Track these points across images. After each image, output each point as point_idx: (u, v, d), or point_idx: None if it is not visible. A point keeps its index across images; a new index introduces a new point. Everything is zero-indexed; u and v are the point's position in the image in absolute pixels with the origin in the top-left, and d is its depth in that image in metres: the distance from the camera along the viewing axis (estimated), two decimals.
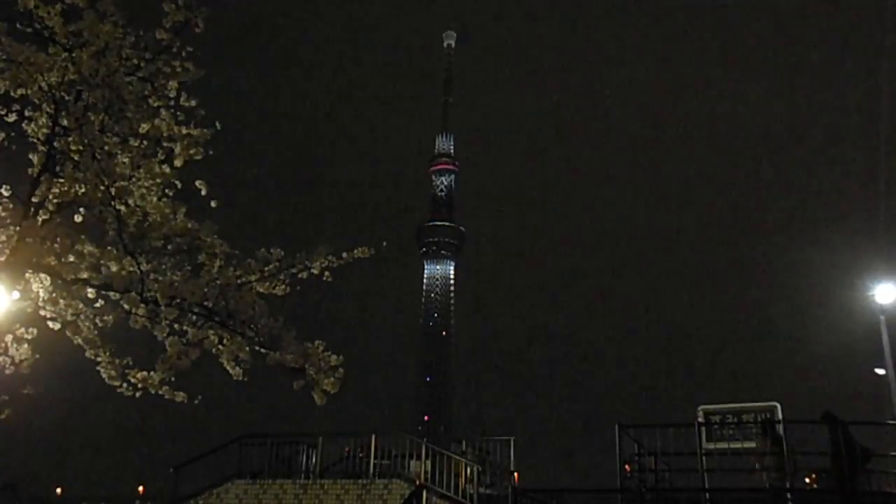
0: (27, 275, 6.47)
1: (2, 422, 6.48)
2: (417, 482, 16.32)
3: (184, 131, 7.08)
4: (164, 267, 6.72)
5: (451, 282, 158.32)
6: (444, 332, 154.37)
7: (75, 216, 6.74)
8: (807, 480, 17.52)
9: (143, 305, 6.46)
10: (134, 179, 6.73)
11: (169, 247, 6.83)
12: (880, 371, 21.37)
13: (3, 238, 6.46)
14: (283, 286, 7.07)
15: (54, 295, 6.60)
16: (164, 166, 6.96)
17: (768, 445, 13.86)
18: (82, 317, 6.76)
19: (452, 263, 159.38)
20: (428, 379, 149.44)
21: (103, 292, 6.67)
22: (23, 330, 6.63)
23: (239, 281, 6.76)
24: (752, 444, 15.18)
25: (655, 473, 15.69)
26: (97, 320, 6.76)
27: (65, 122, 6.59)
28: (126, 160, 6.70)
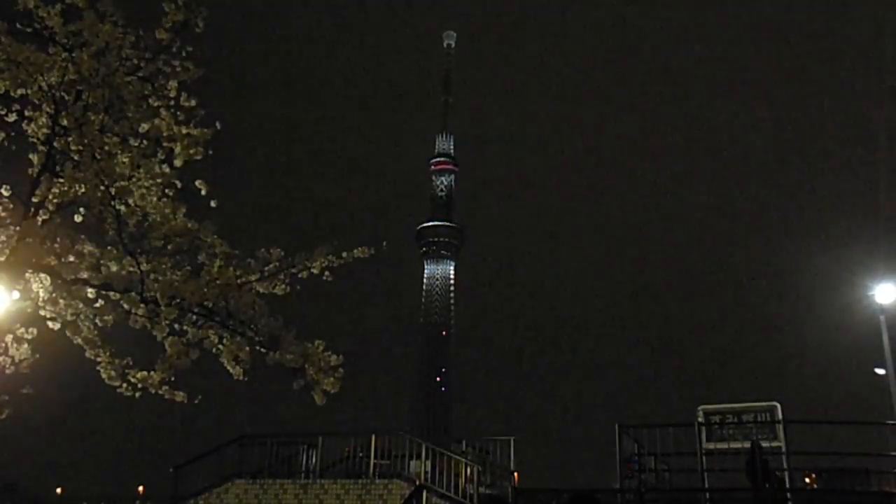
0: (27, 275, 6.47)
1: (2, 422, 6.48)
2: (417, 482, 16.32)
3: (184, 131, 7.08)
4: (164, 267, 6.71)
5: (451, 282, 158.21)
6: (444, 332, 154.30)
7: (75, 216, 6.74)
8: (807, 480, 17.54)
9: (143, 305, 6.46)
10: (134, 179, 6.73)
11: (169, 247, 6.83)
12: (880, 371, 21.39)
13: (3, 238, 6.46)
14: (283, 286, 7.06)
15: (54, 295, 6.59)
16: (164, 166, 6.96)
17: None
18: (82, 317, 6.76)
19: (452, 263, 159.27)
20: (438, 379, 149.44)
21: (103, 292, 6.67)
22: (23, 330, 6.63)
23: (239, 281, 6.75)
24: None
25: (655, 473, 15.71)
26: (97, 320, 6.76)
27: (65, 122, 6.59)
28: (126, 160, 6.70)
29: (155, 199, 6.87)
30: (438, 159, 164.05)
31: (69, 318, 6.72)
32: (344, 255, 7.10)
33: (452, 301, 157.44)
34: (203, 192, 7.02)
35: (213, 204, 7.02)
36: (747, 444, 15.00)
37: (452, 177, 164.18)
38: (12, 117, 6.78)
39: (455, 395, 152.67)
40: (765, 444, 15.11)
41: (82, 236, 6.70)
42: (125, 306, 6.49)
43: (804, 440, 15.26)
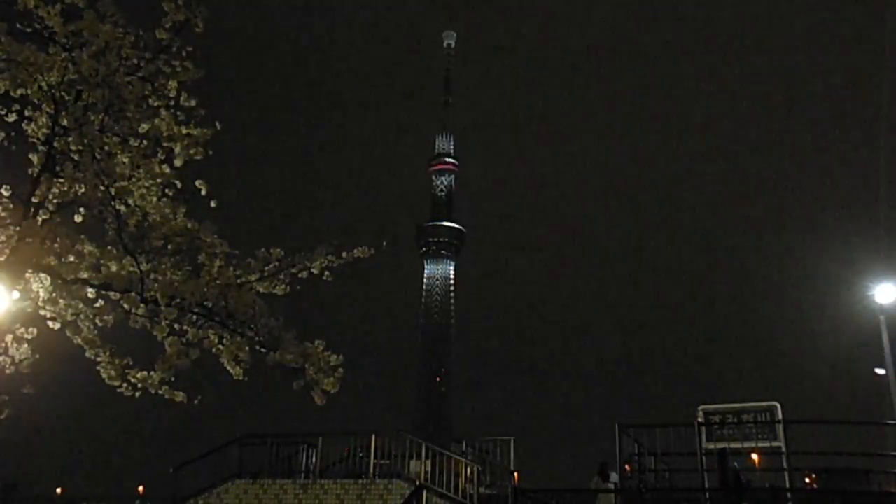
0: (27, 275, 6.47)
1: (2, 422, 6.48)
2: (417, 482, 16.32)
3: (184, 131, 7.07)
4: (164, 267, 6.71)
5: (451, 282, 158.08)
6: (444, 333, 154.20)
7: (75, 216, 6.74)
8: (807, 480, 17.54)
9: (143, 305, 6.46)
10: (134, 179, 6.73)
11: (169, 247, 6.83)
12: (880, 371, 21.39)
13: (3, 238, 6.45)
14: (283, 286, 7.06)
15: (54, 295, 6.59)
16: (164, 166, 6.95)
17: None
18: (82, 317, 6.76)
19: (452, 263, 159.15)
20: (438, 379, 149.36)
21: (103, 292, 6.67)
22: (23, 330, 6.62)
23: (239, 281, 6.76)
24: (752, 444, 15.19)
25: (655, 473, 15.71)
26: (97, 320, 6.76)
27: (65, 122, 6.59)
28: (126, 160, 6.70)
29: (155, 199, 6.87)
30: (438, 159, 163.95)
31: (69, 318, 6.71)
32: (344, 255, 7.10)
33: (452, 301, 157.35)
34: (203, 192, 7.02)
35: (213, 204, 7.03)
36: (748, 444, 15.03)
37: (452, 177, 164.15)
38: (12, 117, 6.78)
39: (455, 395, 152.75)
40: (765, 444, 15.13)
41: (82, 236, 6.70)
42: (125, 306, 6.48)
43: (804, 440, 15.25)
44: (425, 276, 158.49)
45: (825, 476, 16.94)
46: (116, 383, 6.78)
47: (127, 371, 6.76)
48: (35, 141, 6.81)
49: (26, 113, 6.78)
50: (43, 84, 6.57)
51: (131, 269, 6.59)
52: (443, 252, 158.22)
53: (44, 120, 6.75)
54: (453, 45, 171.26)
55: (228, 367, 6.79)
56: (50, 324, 6.74)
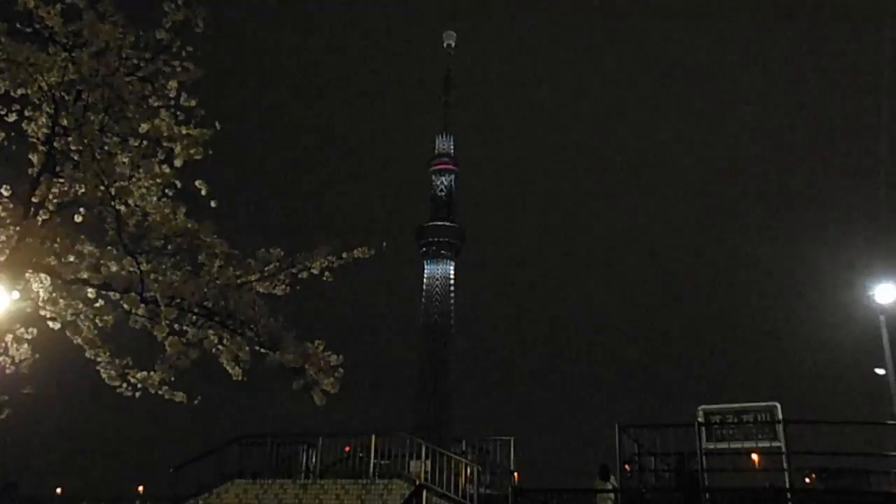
0: (27, 275, 6.47)
1: (2, 422, 6.48)
2: (417, 482, 16.33)
3: (184, 131, 7.07)
4: (164, 267, 6.71)
5: (451, 282, 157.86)
6: (444, 333, 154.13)
7: (75, 216, 6.74)
8: (807, 480, 17.55)
9: (143, 305, 6.45)
10: (134, 179, 6.73)
11: (169, 247, 6.83)
12: (880, 371, 21.39)
13: (3, 238, 6.46)
14: (283, 286, 7.07)
15: (54, 295, 6.59)
16: (164, 166, 6.95)
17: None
18: (82, 317, 6.76)
19: (452, 263, 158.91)
20: (437, 379, 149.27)
21: (103, 292, 6.67)
22: (23, 330, 6.63)
23: (239, 281, 6.76)
24: (752, 444, 15.20)
25: (655, 473, 15.72)
26: (97, 320, 6.76)
27: (65, 122, 6.59)
28: (126, 160, 6.70)
29: (155, 199, 6.87)
30: (438, 159, 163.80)
31: (69, 318, 6.72)
32: (344, 255, 7.10)
33: (452, 301, 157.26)
34: (203, 192, 7.02)
35: (213, 204, 7.03)
36: (748, 444, 15.04)
37: (452, 177, 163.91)
38: (12, 117, 6.78)
39: (455, 394, 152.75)
40: (765, 444, 15.13)
41: (82, 236, 6.70)
42: (125, 306, 6.49)
43: (804, 440, 15.24)
44: (425, 276, 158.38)
45: (825, 476, 16.95)
46: (116, 383, 6.78)
47: (127, 371, 6.77)
48: (35, 141, 6.81)
49: (26, 113, 6.78)
50: (43, 84, 6.57)
51: (131, 269, 6.59)
52: (443, 252, 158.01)
53: (44, 120, 6.75)
54: (453, 45, 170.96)
55: (228, 368, 6.79)
56: (50, 324, 6.75)
